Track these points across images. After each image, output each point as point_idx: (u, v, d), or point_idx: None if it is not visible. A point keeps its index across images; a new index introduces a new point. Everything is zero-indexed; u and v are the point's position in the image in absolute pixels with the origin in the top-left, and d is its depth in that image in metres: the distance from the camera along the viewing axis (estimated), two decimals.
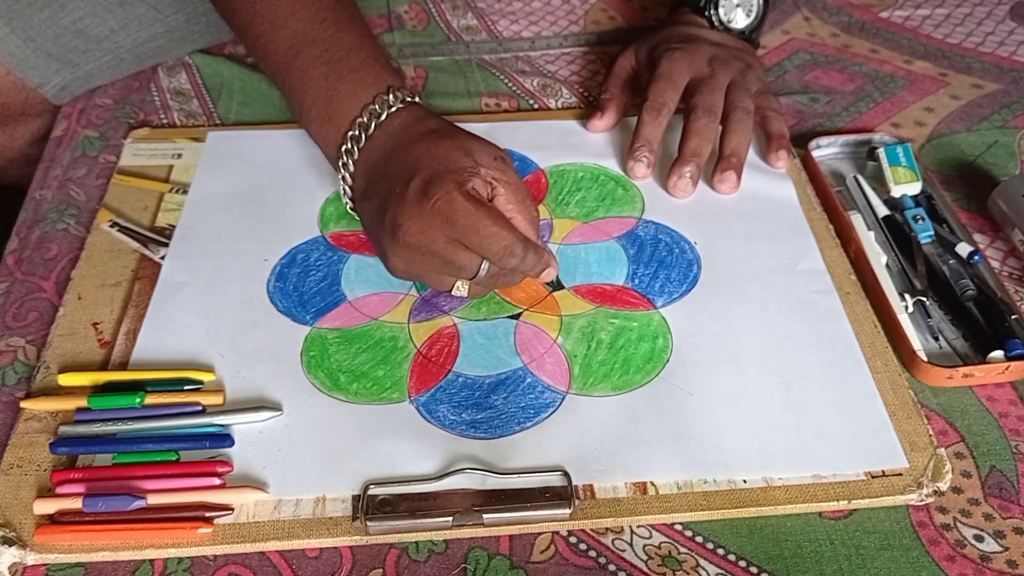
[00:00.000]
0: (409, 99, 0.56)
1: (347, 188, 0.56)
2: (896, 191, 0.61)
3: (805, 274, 0.57)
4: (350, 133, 0.55)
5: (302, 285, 0.56)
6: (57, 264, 0.58)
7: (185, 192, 0.63)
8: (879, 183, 0.62)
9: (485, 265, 0.50)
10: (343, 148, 0.55)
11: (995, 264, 0.58)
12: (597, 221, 0.61)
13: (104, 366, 0.52)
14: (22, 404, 0.49)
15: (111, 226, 0.60)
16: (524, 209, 0.53)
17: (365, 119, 0.55)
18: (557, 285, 0.56)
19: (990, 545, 0.44)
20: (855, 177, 0.63)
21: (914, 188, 0.61)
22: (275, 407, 0.49)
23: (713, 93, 0.63)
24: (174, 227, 0.60)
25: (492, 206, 0.51)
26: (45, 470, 0.47)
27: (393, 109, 0.55)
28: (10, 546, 0.43)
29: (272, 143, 0.67)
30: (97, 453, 0.47)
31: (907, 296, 0.55)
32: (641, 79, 0.68)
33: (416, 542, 0.44)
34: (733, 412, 0.49)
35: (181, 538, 0.44)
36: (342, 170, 0.56)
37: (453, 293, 0.52)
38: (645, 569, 0.43)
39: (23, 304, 0.56)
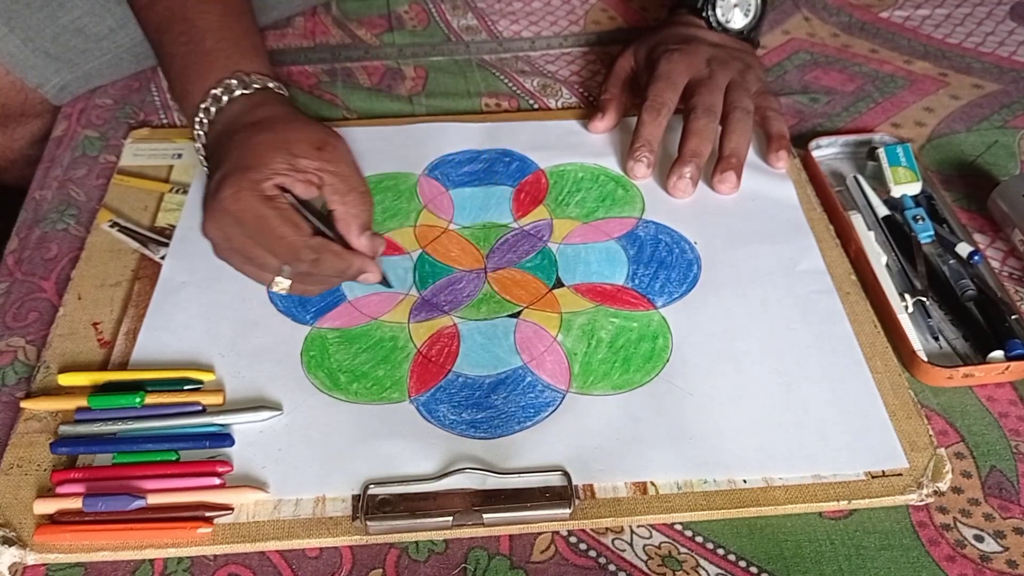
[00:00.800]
0: (257, 85, 0.55)
1: (206, 170, 0.57)
2: (896, 191, 0.61)
3: (805, 274, 0.57)
4: (195, 117, 0.55)
5: None
6: (57, 264, 0.58)
7: (185, 192, 0.63)
8: (879, 183, 0.62)
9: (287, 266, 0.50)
10: (195, 132, 0.56)
11: (995, 264, 0.58)
12: (597, 221, 0.61)
13: (104, 366, 0.52)
14: (22, 404, 0.49)
15: (111, 226, 0.60)
16: (346, 202, 0.51)
17: (208, 104, 0.55)
18: (557, 283, 0.57)
19: (990, 545, 0.44)
20: (855, 177, 0.63)
21: (914, 188, 0.61)
22: (275, 407, 0.49)
23: (712, 93, 0.63)
24: (174, 227, 0.60)
25: (284, 208, 0.50)
26: (45, 470, 0.47)
27: (236, 94, 0.54)
28: (10, 546, 0.43)
29: None
30: (97, 453, 0.47)
31: (907, 296, 0.55)
32: (640, 80, 0.68)
33: (416, 542, 0.44)
34: (733, 412, 0.49)
35: (181, 538, 0.44)
36: (198, 155, 0.56)
37: (273, 288, 0.52)
38: (645, 569, 0.43)
39: (23, 304, 0.56)
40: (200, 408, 0.49)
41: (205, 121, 0.55)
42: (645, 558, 0.44)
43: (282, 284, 0.51)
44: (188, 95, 0.56)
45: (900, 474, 0.46)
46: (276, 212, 0.49)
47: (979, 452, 0.48)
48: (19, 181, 0.71)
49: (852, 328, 0.53)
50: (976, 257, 0.56)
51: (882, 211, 0.60)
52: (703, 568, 0.44)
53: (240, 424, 0.48)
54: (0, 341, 0.54)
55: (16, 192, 0.66)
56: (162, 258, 0.58)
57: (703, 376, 0.51)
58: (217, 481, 0.46)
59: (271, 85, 0.56)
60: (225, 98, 0.54)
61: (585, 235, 0.60)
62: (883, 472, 0.46)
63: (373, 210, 0.53)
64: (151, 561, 0.44)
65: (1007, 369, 0.50)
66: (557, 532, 0.45)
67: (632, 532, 0.45)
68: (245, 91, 0.55)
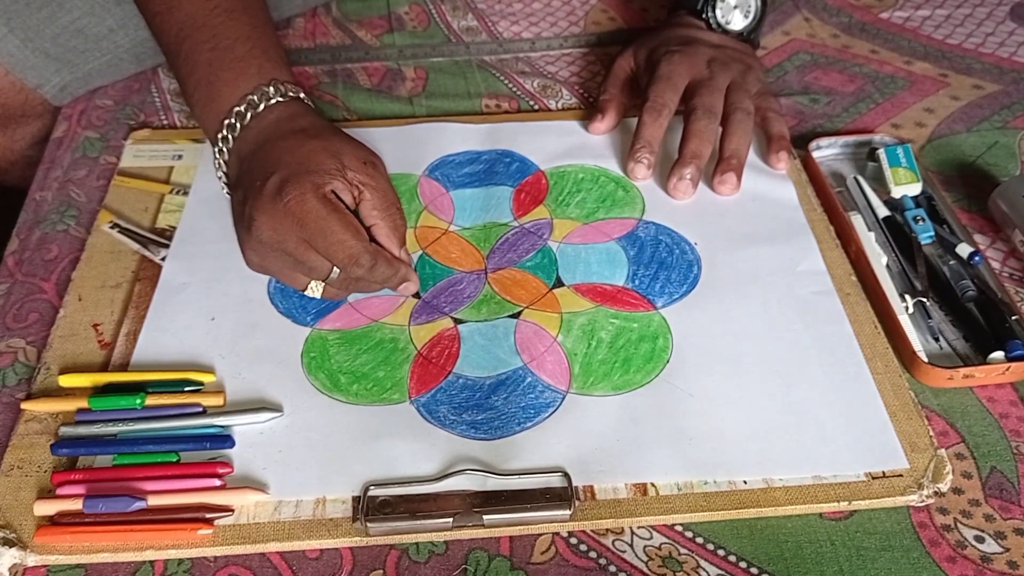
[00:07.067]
0: (292, 94, 0.56)
1: (222, 175, 0.57)
2: (896, 192, 0.61)
3: (805, 275, 0.57)
4: (227, 121, 0.55)
5: None
6: (57, 265, 0.58)
7: (185, 193, 0.63)
8: (879, 184, 0.62)
9: (336, 269, 0.51)
10: (220, 135, 0.56)
11: (995, 265, 0.58)
12: (597, 222, 0.61)
13: (105, 367, 0.52)
14: (23, 405, 0.49)
15: (111, 227, 0.60)
16: (388, 216, 0.53)
17: (242, 108, 0.55)
18: (557, 282, 0.57)
19: (991, 546, 0.44)
20: (855, 178, 0.63)
21: (914, 189, 0.61)
22: (275, 408, 0.49)
23: (713, 95, 0.63)
24: (174, 228, 0.60)
25: (345, 212, 0.51)
26: (45, 471, 0.47)
27: (272, 102, 0.55)
28: (10, 547, 0.43)
29: None
30: (97, 454, 0.47)
31: (907, 297, 0.55)
32: (640, 81, 0.68)
33: (416, 543, 0.44)
34: (733, 413, 0.49)
35: (181, 539, 0.44)
36: (218, 157, 0.56)
37: (307, 293, 0.53)
38: (645, 570, 0.43)
39: (23, 305, 0.56)
40: (201, 409, 0.49)
41: (237, 125, 0.55)
42: (645, 559, 0.44)
43: (316, 289, 0.52)
44: (215, 100, 0.56)
45: (900, 475, 0.46)
46: (339, 216, 0.50)
47: (979, 453, 0.48)
48: (19, 182, 0.71)
49: (852, 329, 0.53)
50: (976, 258, 0.56)
51: (882, 212, 0.60)
52: (703, 569, 0.44)
53: (240, 425, 0.48)
54: (0, 342, 0.54)
55: (16, 193, 0.66)
56: (162, 259, 0.58)
57: (703, 377, 0.51)
58: (218, 482, 0.46)
59: (302, 96, 0.57)
60: (262, 105, 0.55)
61: (585, 235, 0.60)
62: (883, 473, 0.46)
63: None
64: (151, 562, 0.44)
65: (1007, 370, 0.50)
66: (557, 533, 0.45)
67: (632, 533, 0.45)
68: (281, 99, 0.55)
